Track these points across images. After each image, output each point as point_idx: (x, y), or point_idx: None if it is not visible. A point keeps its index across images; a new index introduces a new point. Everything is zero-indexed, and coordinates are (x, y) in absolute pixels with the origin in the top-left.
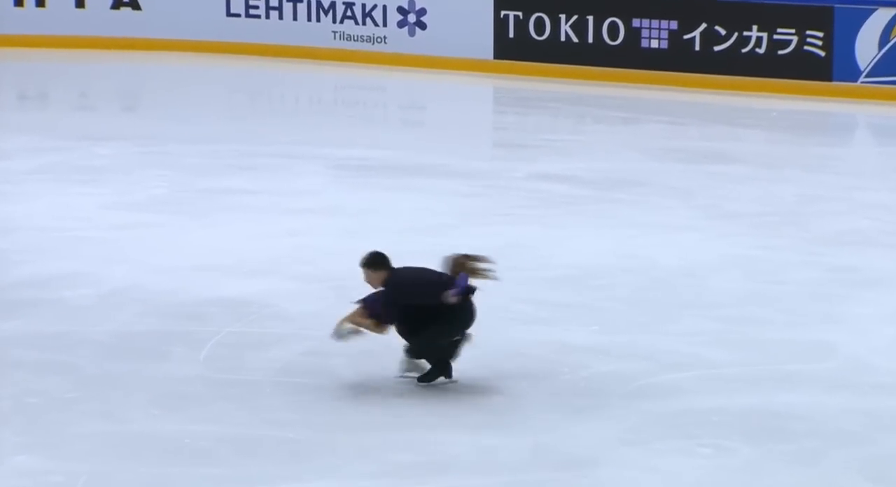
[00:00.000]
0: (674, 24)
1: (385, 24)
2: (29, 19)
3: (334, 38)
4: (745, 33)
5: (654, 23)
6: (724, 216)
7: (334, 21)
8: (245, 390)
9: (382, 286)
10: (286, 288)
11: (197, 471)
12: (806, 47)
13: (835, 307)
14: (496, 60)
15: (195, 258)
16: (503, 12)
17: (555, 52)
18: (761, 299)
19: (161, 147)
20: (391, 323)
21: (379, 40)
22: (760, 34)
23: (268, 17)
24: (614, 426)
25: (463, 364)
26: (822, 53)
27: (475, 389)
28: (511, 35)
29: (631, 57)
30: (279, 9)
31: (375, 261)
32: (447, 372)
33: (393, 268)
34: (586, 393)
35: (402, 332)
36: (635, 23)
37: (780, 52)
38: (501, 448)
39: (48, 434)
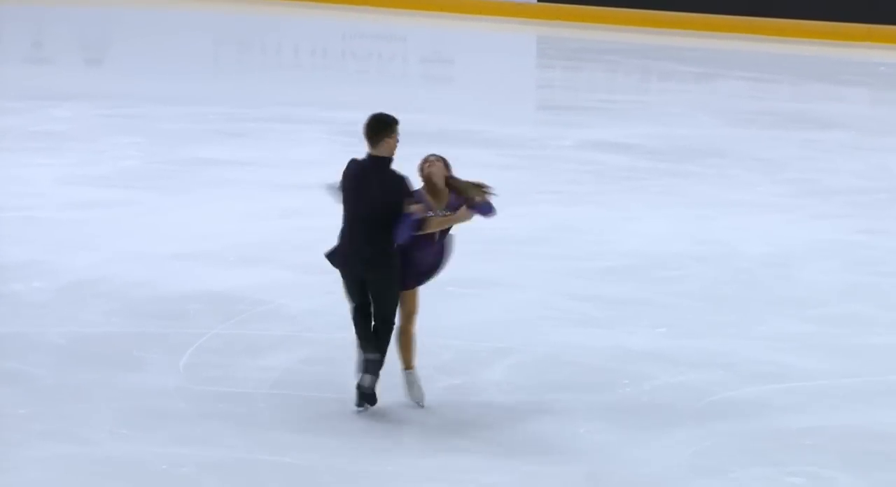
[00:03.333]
0: None
1: None
2: None
3: None
4: None
5: None
6: (819, 193)
7: None
8: (234, 405)
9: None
10: (283, 280)
11: None
12: None
13: None
14: (540, 3)
15: (173, 244)
16: None
17: None
18: (864, 295)
19: (132, 108)
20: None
21: None
22: None
23: None
24: (684, 450)
25: (499, 374)
26: None
27: (515, 405)
28: None
29: None
30: None
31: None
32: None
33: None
34: (650, 410)
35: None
36: None
37: None
38: (547, 476)
39: None
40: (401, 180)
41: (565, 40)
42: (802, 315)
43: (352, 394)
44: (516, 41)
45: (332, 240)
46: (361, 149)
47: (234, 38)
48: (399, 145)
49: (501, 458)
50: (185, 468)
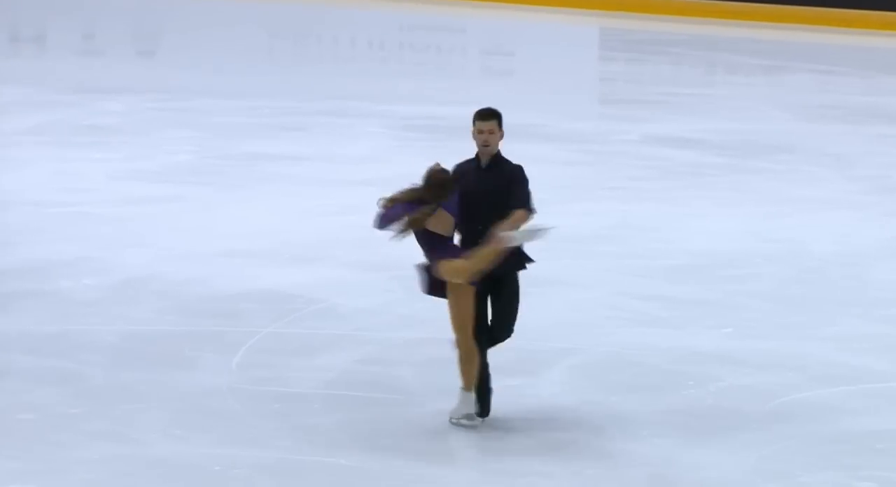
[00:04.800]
0: None
1: None
2: None
3: None
4: None
5: None
6: (891, 190)
7: None
8: (288, 406)
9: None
10: (339, 278)
11: None
12: None
13: None
14: None
15: (226, 241)
16: None
17: None
18: None
19: (184, 102)
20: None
21: None
22: None
23: None
24: (751, 454)
25: (561, 374)
26: None
27: (576, 406)
28: None
29: None
30: None
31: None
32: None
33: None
34: (716, 413)
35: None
36: None
37: None
38: (608, 480)
39: (46, 458)
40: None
41: (628, 32)
42: (874, 315)
43: (406, 397)
44: (578, 33)
45: (387, 240)
46: (420, 145)
47: (289, 30)
48: (455, 140)
49: (562, 462)
50: (238, 469)
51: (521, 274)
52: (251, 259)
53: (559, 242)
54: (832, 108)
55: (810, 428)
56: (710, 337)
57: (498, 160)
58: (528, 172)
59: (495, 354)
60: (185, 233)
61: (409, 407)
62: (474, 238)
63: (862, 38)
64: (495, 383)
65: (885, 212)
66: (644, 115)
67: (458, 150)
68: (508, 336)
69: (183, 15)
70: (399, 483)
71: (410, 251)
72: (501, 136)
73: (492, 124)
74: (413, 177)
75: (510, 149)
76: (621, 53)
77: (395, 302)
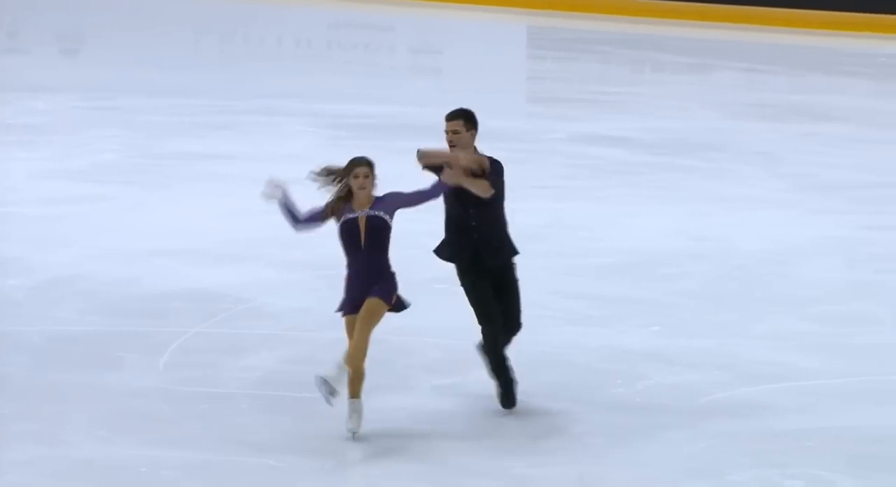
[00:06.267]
0: None
1: None
2: None
3: None
4: None
5: None
6: (819, 187)
7: None
8: (216, 406)
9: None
10: (267, 277)
11: None
12: None
13: None
14: None
15: (153, 240)
16: None
17: None
18: (866, 293)
19: (110, 101)
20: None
21: None
22: None
23: None
24: (680, 452)
25: (489, 374)
26: None
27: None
28: None
29: None
30: None
31: (473, 116)
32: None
33: None
34: (644, 411)
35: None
36: None
37: None
38: (539, 479)
39: None
40: None
41: (557, 30)
42: (802, 313)
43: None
44: (507, 31)
45: (317, 237)
46: (349, 143)
47: (216, 28)
48: (384, 138)
49: (492, 460)
50: (166, 470)
51: (446, 273)
52: (179, 258)
53: None
54: (759, 107)
55: (739, 426)
56: (639, 335)
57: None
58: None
59: (425, 353)
60: (111, 232)
61: (337, 408)
62: (458, 223)
63: (788, 36)
64: (425, 382)
65: (812, 209)
66: (573, 114)
67: (387, 148)
68: (520, 327)
69: (108, 13)
70: (327, 482)
71: (338, 250)
72: (474, 135)
73: (455, 124)
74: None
75: (439, 146)
76: (549, 52)
77: (323, 302)
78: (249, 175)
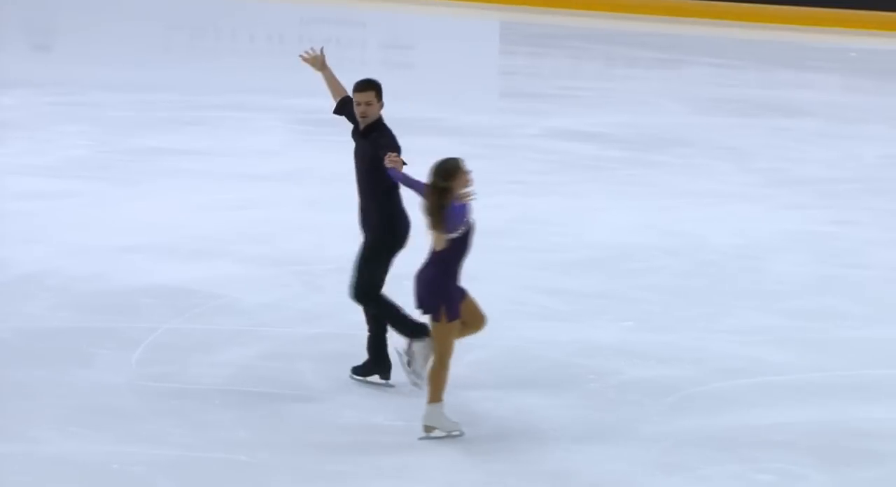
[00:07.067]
0: None
1: None
2: None
3: None
4: None
5: None
6: (788, 183)
7: None
8: (187, 402)
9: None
10: (238, 273)
11: None
12: None
13: None
14: None
15: (123, 236)
16: None
17: None
18: (835, 288)
19: (80, 96)
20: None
21: None
22: None
23: None
24: (651, 447)
25: (460, 369)
26: None
27: (477, 402)
28: None
29: None
30: None
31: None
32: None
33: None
34: (616, 406)
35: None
36: None
37: None
38: (511, 474)
39: None
40: None
41: (528, 25)
42: (773, 308)
43: (307, 392)
44: (478, 27)
45: (288, 233)
46: (320, 139)
47: (186, 23)
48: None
49: (464, 456)
50: (137, 467)
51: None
52: (149, 254)
53: None
54: (729, 102)
55: (710, 421)
56: (610, 330)
57: (377, 126)
58: (426, 168)
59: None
60: (81, 228)
61: (308, 403)
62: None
63: (758, 31)
64: (394, 380)
65: (781, 204)
66: (544, 109)
67: None
68: (355, 291)
69: (78, 8)
70: (299, 478)
71: (307, 245)
72: (381, 107)
73: (367, 95)
74: (315, 170)
75: (409, 141)
76: (521, 47)
77: (294, 297)
78: (221, 170)
